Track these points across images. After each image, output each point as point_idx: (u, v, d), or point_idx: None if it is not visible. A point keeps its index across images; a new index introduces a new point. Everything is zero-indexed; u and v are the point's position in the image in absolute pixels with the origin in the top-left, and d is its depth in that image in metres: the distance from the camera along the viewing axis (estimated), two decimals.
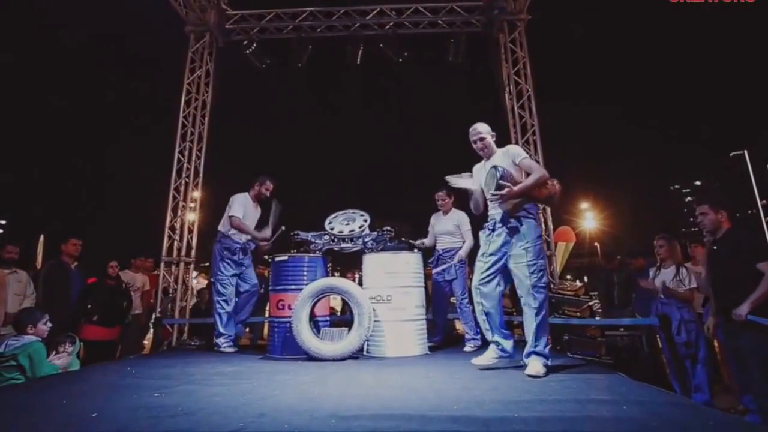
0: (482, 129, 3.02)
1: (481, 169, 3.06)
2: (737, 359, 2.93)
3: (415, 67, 7.54)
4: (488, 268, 2.84)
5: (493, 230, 2.88)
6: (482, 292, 2.85)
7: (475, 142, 3.02)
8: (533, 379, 2.50)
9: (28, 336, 2.95)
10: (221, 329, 4.04)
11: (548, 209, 5.86)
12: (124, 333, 4.94)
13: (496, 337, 2.86)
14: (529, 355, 2.70)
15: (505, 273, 2.86)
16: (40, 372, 2.87)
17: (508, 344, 2.87)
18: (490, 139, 3.01)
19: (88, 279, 4.72)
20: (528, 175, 2.83)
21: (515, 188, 2.71)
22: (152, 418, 1.75)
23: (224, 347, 4.01)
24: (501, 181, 2.70)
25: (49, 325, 3.14)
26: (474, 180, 3.10)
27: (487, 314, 2.86)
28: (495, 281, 2.84)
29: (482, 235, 2.98)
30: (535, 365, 2.61)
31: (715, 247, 3.02)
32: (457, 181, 3.09)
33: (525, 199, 2.79)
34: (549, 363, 2.66)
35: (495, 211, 2.92)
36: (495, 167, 2.78)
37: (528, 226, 2.77)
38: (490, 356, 2.88)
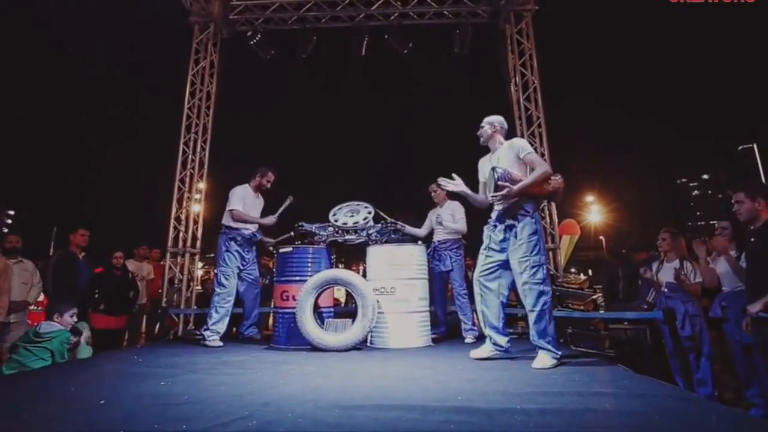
0: (487, 119, 3.10)
1: (486, 162, 3.08)
2: (746, 354, 2.90)
3: (421, 58, 7.48)
4: (488, 262, 2.90)
5: (495, 226, 2.92)
6: (482, 285, 2.91)
7: (481, 126, 3.12)
8: (536, 371, 2.51)
9: (56, 324, 3.11)
10: (210, 323, 3.87)
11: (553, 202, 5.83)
12: (130, 322, 5.01)
13: (490, 332, 2.91)
14: (535, 349, 2.71)
15: (508, 269, 2.87)
16: (60, 360, 3.01)
17: (502, 340, 2.90)
18: (489, 129, 3.05)
19: (95, 269, 4.77)
20: (532, 170, 2.84)
21: (515, 188, 2.73)
22: (159, 406, 1.78)
23: (210, 341, 3.83)
24: (499, 182, 2.73)
25: (75, 319, 3.29)
26: (480, 173, 3.14)
27: (486, 307, 2.90)
28: (495, 275, 2.88)
29: (485, 229, 3.01)
30: (541, 359, 2.62)
31: (752, 239, 2.81)
32: (448, 184, 3.10)
33: (525, 198, 2.80)
34: (558, 355, 2.66)
35: (497, 207, 2.95)
36: (494, 169, 2.81)
37: (524, 223, 2.78)
38: (487, 349, 2.93)
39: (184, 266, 5.96)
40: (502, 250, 2.86)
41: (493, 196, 2.83)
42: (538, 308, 2.68)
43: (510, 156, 2.91)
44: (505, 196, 2.74)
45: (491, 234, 2.93)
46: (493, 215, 2.97)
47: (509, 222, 2.82)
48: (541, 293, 2.69)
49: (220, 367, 2.74)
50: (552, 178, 2.87)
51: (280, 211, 4.25)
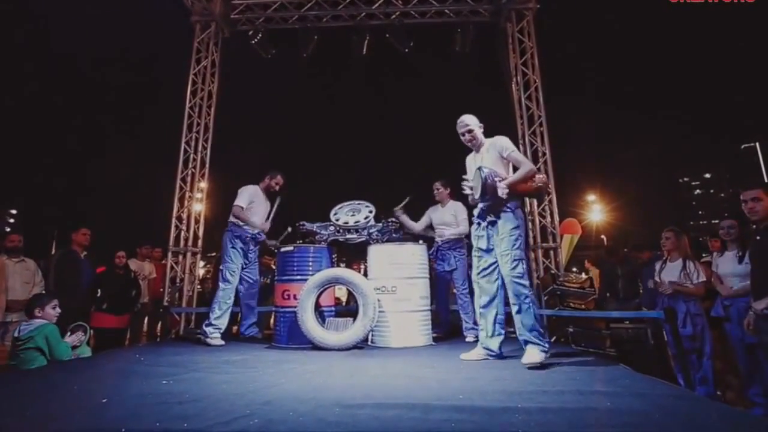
0: (469, 121, 3.01)
1: (472, 161, 3.08)
2: (749, 352, 2.90)
3: (422, 57, 7.46)
4: (481, 264, 2.92)
5: (479, 224, 2.94)
6: (480, 286, 2.93)
7: (462, 135, 3.02)
8: (537, 371, 2.51)
9: (38, 320, 3.01)
10: (213, 319, 3.85)
11: (554, 201, 5.82)
12: (133, 320, 5.03)
13: (482, 336, 2.93)
14: (524, 343, 2.73)
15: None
16: (58, 352, 2.94)
17: (494, 343, 2.90)
18: (478, 131, 3.01)
19: (98, 268, 4.79)
20: (515, 168, 2.85)
21: (503, 186, 2.74)
22: (160, 404, 1.79)
23: (212, 338, 3.80)
24: (488, 182, 2.72)
25: (58, 310, 3.15)
26: (468, 171, 3.13)
27: (483, 307, 2.91)
28: (492, 275, 2.89)
29: (473, 230, 3.02)
30: (530, 353, 2.63)
31: (757, 237, 2.71)
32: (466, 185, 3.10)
33: (509, 195, 2.80)
34: (547, 349, 2.67)
35: (481, 205, 2.96)
36: (480, 169, 2.79)
37: (505, 218, 2.80)
38: (477, 353, 2.93)
39: (186, 265, 5.98)
40: (490, 250, 2.88)
41: (480, 199, 2.83)
42: (519, 302, 2.71)
43: (492, 155, 2.91)
44: (499, 198, 2.73)
45: (478, 234, 2.95)
46: (476, 212, 2.99)
47: (491, 218, 2.84)
48: (521, 286, 2.71)
49: (222, 365, 2.75)
50: (536, 176, 2.89)
51: (272, 214, 4.27)
